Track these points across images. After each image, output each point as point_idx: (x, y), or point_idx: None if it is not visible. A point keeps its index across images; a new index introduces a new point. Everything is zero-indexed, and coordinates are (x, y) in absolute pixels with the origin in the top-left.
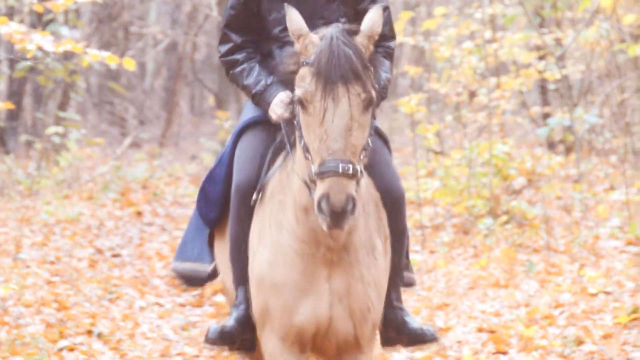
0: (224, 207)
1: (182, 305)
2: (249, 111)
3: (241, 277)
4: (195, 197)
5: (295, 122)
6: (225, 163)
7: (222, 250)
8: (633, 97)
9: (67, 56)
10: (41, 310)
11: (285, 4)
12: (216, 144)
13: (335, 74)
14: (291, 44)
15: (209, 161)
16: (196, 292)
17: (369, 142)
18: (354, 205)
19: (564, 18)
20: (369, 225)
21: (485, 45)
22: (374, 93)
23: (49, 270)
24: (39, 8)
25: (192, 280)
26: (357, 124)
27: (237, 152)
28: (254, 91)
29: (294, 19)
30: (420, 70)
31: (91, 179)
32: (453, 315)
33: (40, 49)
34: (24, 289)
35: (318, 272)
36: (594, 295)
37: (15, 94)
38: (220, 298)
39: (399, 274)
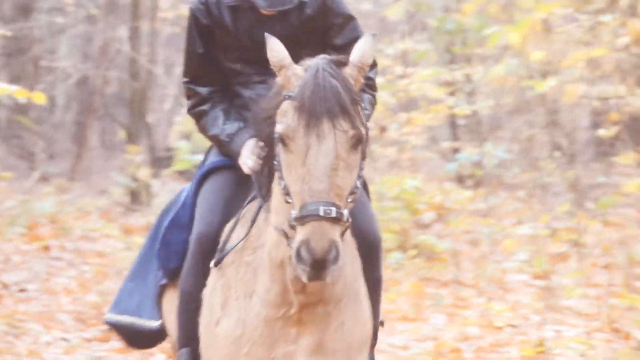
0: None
1: (89, 340)
2: (214, 155)
3: (188, 337)
4: (104, 231)
5: (275, 163)
6: (190, 206)
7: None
8: (541, 133)
9: None
10: None
11: (266, 34)
12: (126, 178)
13: (320, 108)
14: (256, 81)
15: (118, 195)
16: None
17: (358, 184)
18: (338, 253)
19: (474, 54)
20: (353, 268)
21: (396, 81)
22: (363, 130)
23: None
24: None
25: (135, 339)
26: (344, 164)
27: (200, 198)
28: (220, 141)
29: (276, 49)
30: None
31: None
32: None
33: None
34: None
35: (285, 335)
36: (500, 328)
37: None
38: None
39: (374, 330)
